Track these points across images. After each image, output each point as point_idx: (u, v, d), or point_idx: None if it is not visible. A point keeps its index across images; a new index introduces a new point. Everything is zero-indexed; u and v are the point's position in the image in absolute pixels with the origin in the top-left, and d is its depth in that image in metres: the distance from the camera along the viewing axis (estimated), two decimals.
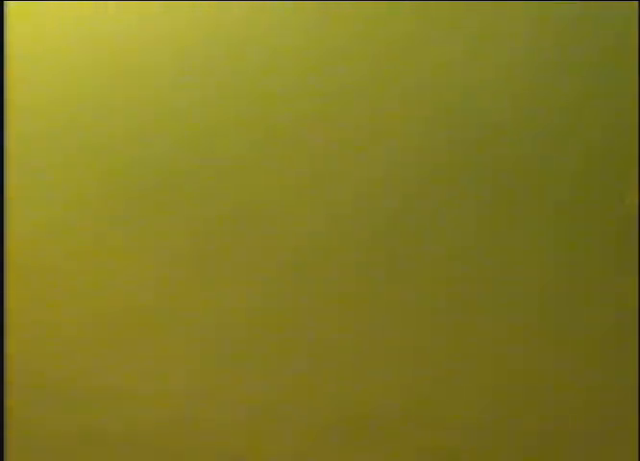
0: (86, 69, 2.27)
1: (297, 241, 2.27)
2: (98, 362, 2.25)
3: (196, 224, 2.26)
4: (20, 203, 2.26)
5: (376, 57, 2.28)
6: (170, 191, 2.26)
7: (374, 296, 2.27)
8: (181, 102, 2.29)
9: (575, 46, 2.34)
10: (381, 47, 2.29)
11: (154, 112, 2.27)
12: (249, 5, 2.25)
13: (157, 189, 2.26)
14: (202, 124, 2.29)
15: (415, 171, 2.29)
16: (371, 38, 2.29)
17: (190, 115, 2.29)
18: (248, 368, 2.25)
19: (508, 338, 2.27)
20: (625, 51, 2.34)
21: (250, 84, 2.29)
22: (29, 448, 2.22)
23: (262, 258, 2.26)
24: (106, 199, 2.25)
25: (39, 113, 2.26)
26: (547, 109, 2.34)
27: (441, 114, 2.30)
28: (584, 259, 2.29)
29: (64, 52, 2.27)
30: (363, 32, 2.29)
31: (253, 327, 2.26)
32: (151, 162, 2.26)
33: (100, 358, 2.25)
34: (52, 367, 2.25)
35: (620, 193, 2.25)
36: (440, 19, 2.31)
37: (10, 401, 2.21)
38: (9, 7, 2.22)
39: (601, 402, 2.29)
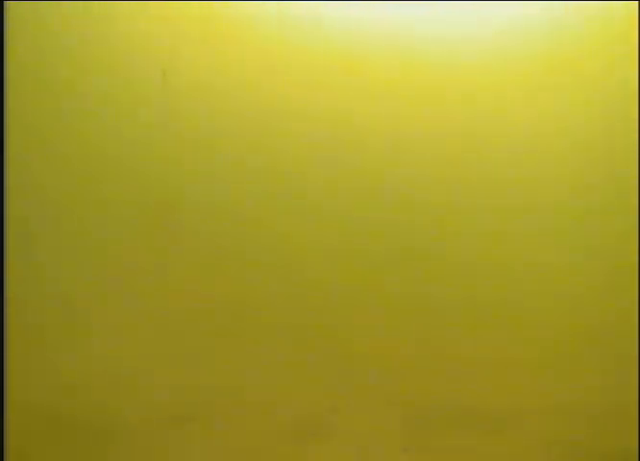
0: (88, 71, 2.27)
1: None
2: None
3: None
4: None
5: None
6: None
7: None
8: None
9: (575, 46, 2.34)
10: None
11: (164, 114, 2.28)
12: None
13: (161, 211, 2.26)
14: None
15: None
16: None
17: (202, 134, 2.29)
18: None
19: None
20: (625, 51, 2.34)
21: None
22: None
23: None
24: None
25: (37, 117, 2.26)
26: (547, 109, 2.34)
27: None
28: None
29: (65, 53, 2.27)
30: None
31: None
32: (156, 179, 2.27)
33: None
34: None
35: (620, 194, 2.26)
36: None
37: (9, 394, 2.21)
38: (9, 7, 2.22)
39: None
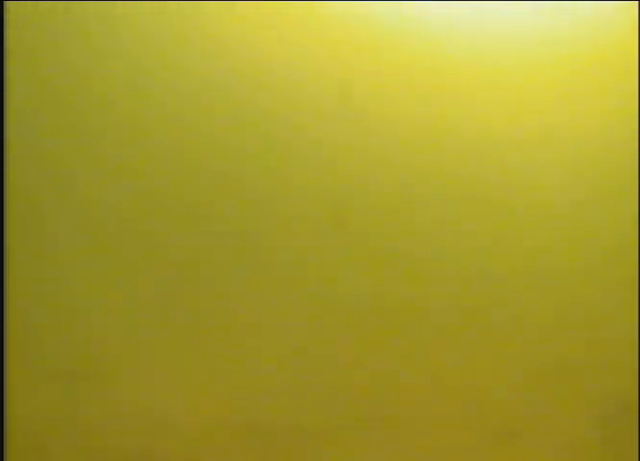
0: (88, 72, 2.27)
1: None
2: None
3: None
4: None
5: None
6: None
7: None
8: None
9: (574, 46, 2.35)
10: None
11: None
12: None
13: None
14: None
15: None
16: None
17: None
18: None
19: None
20: (625, 51, 2.34)
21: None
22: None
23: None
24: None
25: (36, 117, 2.26)
26: (548, 110, 2.34)
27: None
28: None
29: (65, 54, 2.27)
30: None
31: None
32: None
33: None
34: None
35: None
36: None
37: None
38: (9, 7, 2.23)
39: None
